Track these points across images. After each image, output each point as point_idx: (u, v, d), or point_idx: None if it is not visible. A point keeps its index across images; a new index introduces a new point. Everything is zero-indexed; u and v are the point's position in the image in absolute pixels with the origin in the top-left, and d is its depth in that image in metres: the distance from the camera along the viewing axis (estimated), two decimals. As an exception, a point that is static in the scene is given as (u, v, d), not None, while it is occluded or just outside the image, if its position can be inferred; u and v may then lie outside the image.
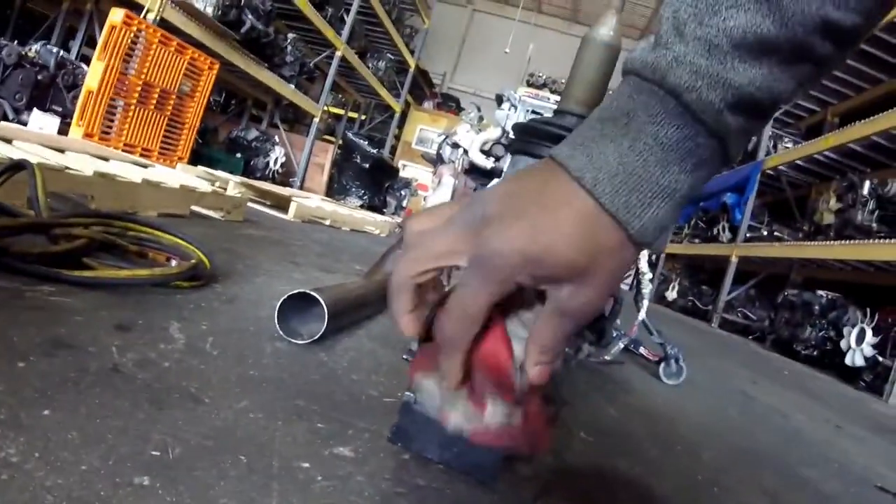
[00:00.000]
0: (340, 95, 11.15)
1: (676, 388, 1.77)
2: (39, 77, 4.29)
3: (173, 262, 1.20)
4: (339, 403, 0.83)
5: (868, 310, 4.17)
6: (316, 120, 8.30)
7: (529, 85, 9.94)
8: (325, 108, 8.95)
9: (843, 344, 4.19)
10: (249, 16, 5.83)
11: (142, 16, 4.39)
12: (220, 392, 0.75)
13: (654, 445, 1.15)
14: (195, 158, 5.56)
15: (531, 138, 0.99)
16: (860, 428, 2.26)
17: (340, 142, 9.29)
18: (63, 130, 4.10)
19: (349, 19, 8.12)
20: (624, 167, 0.39)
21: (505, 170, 1.90)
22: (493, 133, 3.00)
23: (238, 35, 5.71)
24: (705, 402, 1.86)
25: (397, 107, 11.75)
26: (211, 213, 2.51)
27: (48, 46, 4.49)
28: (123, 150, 3.95)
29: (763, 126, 0.49)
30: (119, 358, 0.76)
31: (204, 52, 5.18)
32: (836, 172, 5.99)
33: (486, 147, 2.93)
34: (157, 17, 4.57)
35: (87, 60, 4.61)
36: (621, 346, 1.52)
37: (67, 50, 5.06)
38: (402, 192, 8.84)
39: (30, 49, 4.32)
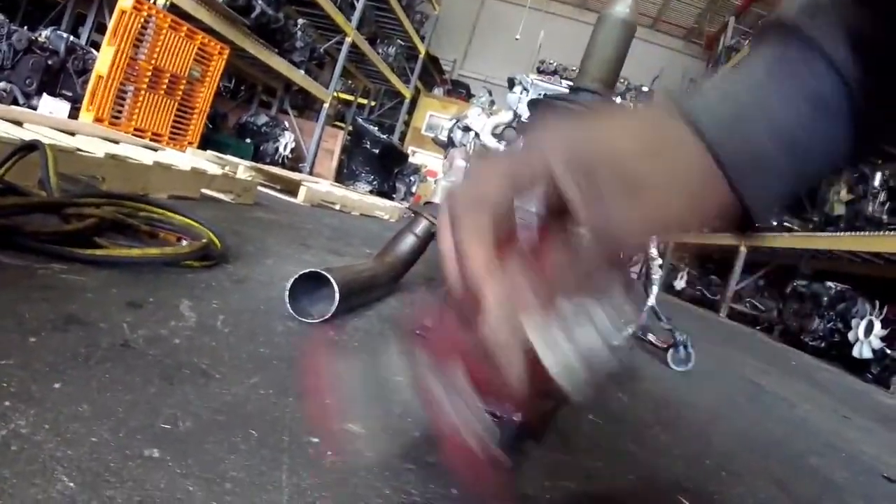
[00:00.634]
0: (350, 81, 11.11)
1: (685, 375, 1.77)
2: (49, 62, 4.30)
3: (184, 243, 1.20)
4: (348, 382, 0.83)
5: (877, 302, 4.14)
6: (326, 105, 8.28)
7: (540, 72, 9.88)
8: (335, 93, 8.92)
9: (850, 336, 4.16)
10: (260, 1, 5.81)
11: (152, 1, 4.38)
12: (231, 368, 0.76)
13: (662, 430, 1.15)
14: (205, 144, 5.57)
15: (547, 114, 0.99)
16: (867, 419, 2.25)
17: (350, 127, 9.27)
18: (73, 115, 4.11)
19: (359, 5, 8.08)
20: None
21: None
22: (504, 116, 2.97)
23: (248, 20, 5.69)
24: (713, 389, 1.86)
25: (407, 93, 11.70)
26: (221, 195, 2.51)
27: (58, 32, 4.49)
28: (134, 135, 3.96)
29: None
30: (130, 334, 0.76)
31: (214, 37, 5.17)
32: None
33: (498, 130, 2.91)
34: (167, 2, 4.57)
35: (97, 46, 4.62)
36: (630, 330, 1.51)
37: (77, 35, 5.06)
38: (412, 178, 8.83)
39: (40, 34, 4.32)
